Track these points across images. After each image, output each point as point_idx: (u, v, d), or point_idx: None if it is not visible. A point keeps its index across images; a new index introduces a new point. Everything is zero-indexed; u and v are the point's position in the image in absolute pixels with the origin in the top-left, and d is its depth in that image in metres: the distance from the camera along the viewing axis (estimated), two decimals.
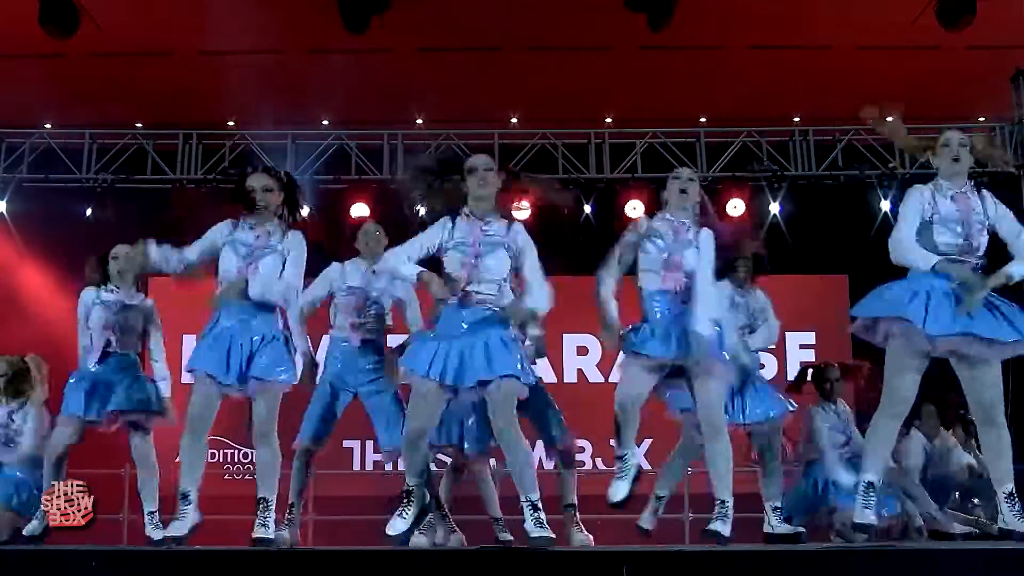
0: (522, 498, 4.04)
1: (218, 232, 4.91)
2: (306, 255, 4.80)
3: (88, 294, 5.60)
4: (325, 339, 5.63)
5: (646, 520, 5.60)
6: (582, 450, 10.02)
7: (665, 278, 4.75)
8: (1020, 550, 3.34)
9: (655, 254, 4.79)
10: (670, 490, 5.68)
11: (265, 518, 4.55)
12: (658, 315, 4.71)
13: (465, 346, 4.16)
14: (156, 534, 5.24)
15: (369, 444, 10.13)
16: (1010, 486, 4.14)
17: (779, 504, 5.56)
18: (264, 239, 4.80)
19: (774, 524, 5.50)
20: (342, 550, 4.38)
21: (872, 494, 4.22)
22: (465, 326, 4.22)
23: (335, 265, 5.56)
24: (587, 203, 10.08)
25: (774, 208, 10.05)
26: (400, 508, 4.18)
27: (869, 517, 4.21)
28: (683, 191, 4.90)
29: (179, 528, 4.65)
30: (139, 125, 10.14)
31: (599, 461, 10.00)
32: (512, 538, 5.90)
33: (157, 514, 5.35)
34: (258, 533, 4.52)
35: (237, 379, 4.57)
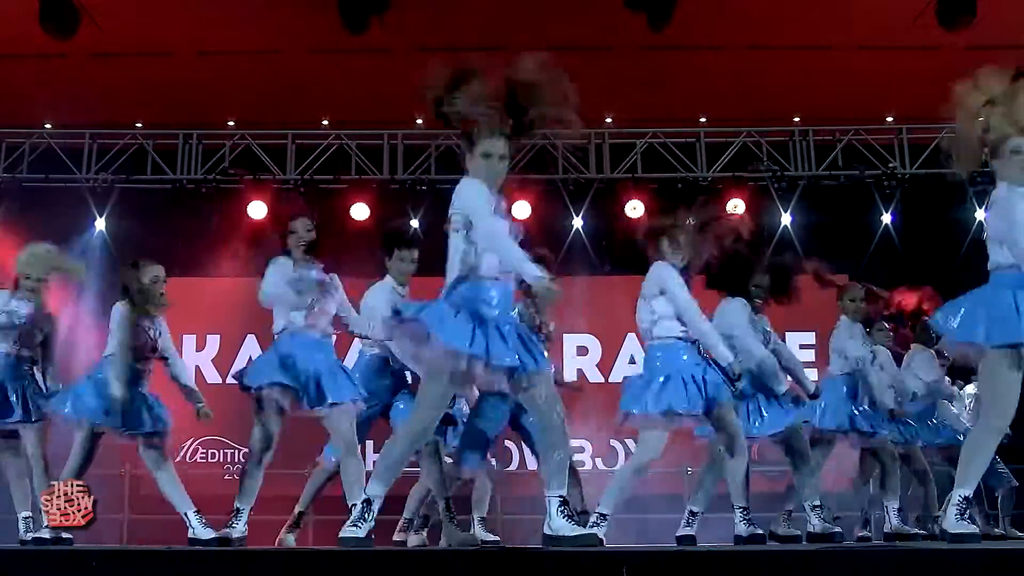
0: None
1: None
2: None
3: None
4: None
5: (684, 530, 5.57)
6: (582, 450, 10.02)
7: None
8: (1019, 550, 3.34)
9: None
10: (705, 505, 5.64)
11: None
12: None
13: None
14: (205, 533, 5.27)
15: (369, 444, 10.10)
16: None
17: (818, 503, 5.55)
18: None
19: (815, 523, 5.52)
20: (342, 550, 4.38)
21: (968, 507, 4.07)
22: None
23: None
24: (586, 203, 10.12)
25: (786, 220, 10.13)
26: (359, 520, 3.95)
27: (968, 528, 4.04)
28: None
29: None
30: (139, 125, 10.14)
31: (599, 461, 10.00)
32: (498, 538, 5.90)
33: (199, 514, 5.37)
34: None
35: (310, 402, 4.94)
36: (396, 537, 5.97)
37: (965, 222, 10.02)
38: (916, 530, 6.37)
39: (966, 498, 4.09)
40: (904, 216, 10.16)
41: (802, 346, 10.32)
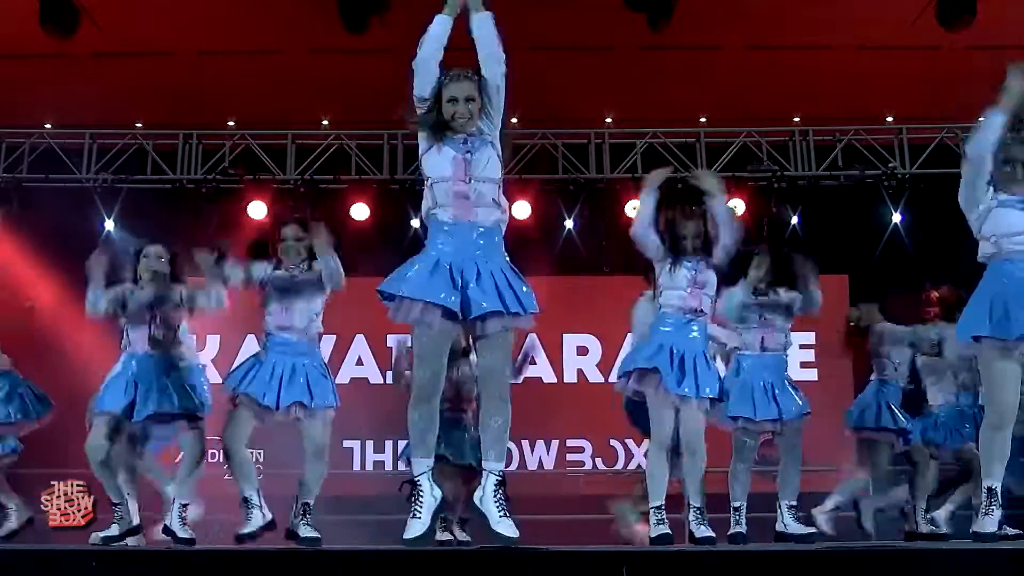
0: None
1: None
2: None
3: None
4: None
5: (735, 528, 5.59)
6: (582, 450, 10.04)
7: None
8: (1019, 550, 3.34)
9: None
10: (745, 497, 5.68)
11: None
12: None
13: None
14: (182, 532, 5.30)
15: (369, 444, 10.13)
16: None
17: (795, 503, 5.61)
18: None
19: (787, 523, 5.57)
20: (342, 550, 4.38)
21: (994, 502, 4.19)
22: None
23: None
24: (585, 203, 10.12)
25: (794, 220, 10.13)
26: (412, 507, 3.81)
27: (989, 526, 4.18)
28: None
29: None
30: (139, 125, 10.14)
31: (599, 461, 10.00)
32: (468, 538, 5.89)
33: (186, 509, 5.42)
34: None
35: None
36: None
37: (966, 222, 9.99)
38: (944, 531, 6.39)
39: (990, 489, 4.22)
40: (905, 216, 10.15)
41: (802, 346, 10.33)
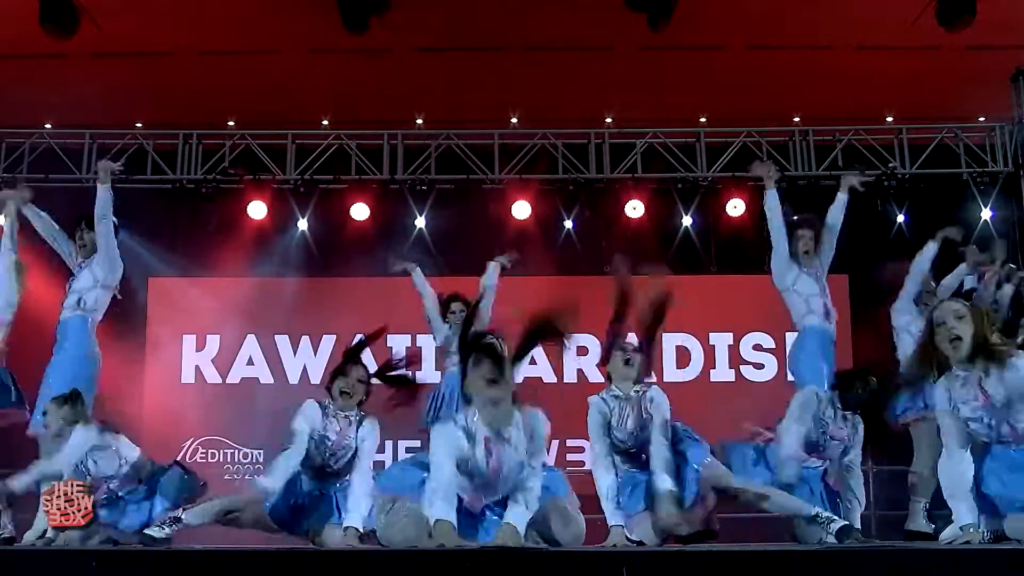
0: None
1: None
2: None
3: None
4: None
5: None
6: (582, 450, 10.03)
7: None
8: (1019, 550, 3.34)
9: None
10: None
11: None
12: None
13: None
14: (158, 532, 5.27)
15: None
16: None
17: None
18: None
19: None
20: (343, 550, 4.38)
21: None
22: None
23: None
24: (585, 204, 10.11)
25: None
26: None
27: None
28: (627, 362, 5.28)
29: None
30: (139, 125, 10.14)
31: None
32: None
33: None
34: None
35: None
36: None
37: (967, 222, 9.99)
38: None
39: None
40: (905, 216, 10.15)
41: None
